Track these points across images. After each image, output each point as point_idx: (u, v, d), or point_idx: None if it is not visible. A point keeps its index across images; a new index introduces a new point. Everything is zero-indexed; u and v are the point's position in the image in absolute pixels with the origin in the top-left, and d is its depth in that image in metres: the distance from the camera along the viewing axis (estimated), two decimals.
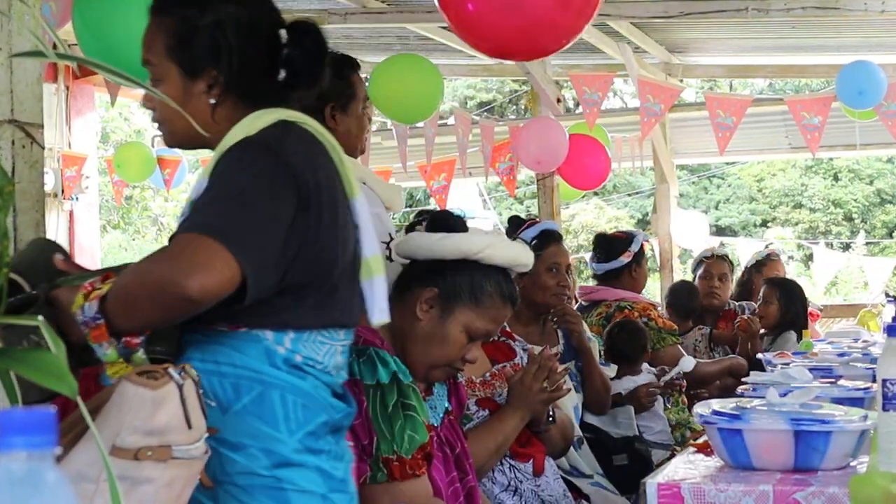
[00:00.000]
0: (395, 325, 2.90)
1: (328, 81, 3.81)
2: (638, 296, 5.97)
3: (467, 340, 2.92)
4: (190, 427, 1.98)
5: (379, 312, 2.39)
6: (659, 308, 6.09)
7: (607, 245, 6.06)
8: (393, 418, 2.66)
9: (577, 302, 5.74)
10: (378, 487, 2.65)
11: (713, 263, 7.17)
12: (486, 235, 2.97)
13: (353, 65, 3.93)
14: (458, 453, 3.03)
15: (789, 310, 6.70)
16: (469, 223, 3.46)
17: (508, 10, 3.46)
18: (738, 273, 8.19)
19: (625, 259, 5.93)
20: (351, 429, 2.65)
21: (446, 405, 3.08)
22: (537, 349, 4.20)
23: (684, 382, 5.65)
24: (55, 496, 0.98)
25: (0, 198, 1.54)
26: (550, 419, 3.67)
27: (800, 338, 6.35)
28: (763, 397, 3.18)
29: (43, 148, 3.00)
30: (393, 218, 3.91)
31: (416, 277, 2.93)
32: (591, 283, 6.40)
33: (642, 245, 6.04)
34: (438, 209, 3.18)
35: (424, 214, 3.35)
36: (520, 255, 3.00)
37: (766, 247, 10.50)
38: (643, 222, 25.36)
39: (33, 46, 2.77)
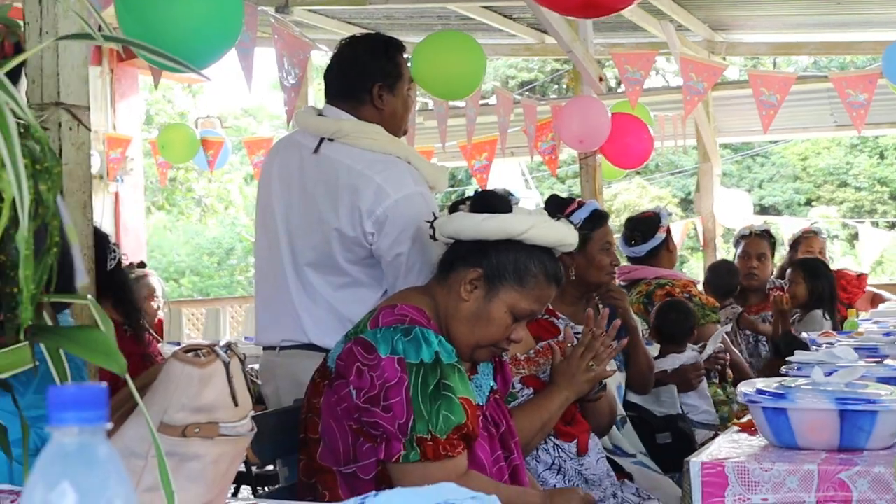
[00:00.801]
0: (439, 304, 2.91)
1: (376, 62, 3.87)
2: (677, 273, 5.96)
3: (512, 320, 2.92)
4: (236, 404, 2.00)
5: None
6: (697, 284, 6.06)
7: (643, 226, 6.04)
8: (432, 398, 2.67)
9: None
10: (409, 466, 2.66)
11: (752, 242, 7.11)
12: (531, 215, 2.95)
13: (398, 46, 3.97)
14: (504, 432, 3.04)
15: (815, 289, 6.62)
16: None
17: None
18: (781, 252, 8.14)
19: (661, 234, 5.91)
20: (389, 406, 2.66)
21: (492, 384, 3.08)
22: (579, 328, 4.21)
23: (727, 356, 5.62)
24: (107, 470, 1.00)
25: (49, 178, 1.55)
26: (602, 386, 3.67)
27: (828, 315, 6.29)
28: (808, 377, 3.17)
29: (89, 130, 3.02)
30: (436, 197, 3.92)
31: (459, 258, 2.93)
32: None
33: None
34: (480, 189, 3.18)
35: (462, 199, 3.36)
36: (565, 235, 2.98)
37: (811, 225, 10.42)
38: (686, 201, 25.27)
39: (79, 29, 2.79)
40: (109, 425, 1.02)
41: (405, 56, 3.99)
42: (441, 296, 2.92)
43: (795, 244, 7.83)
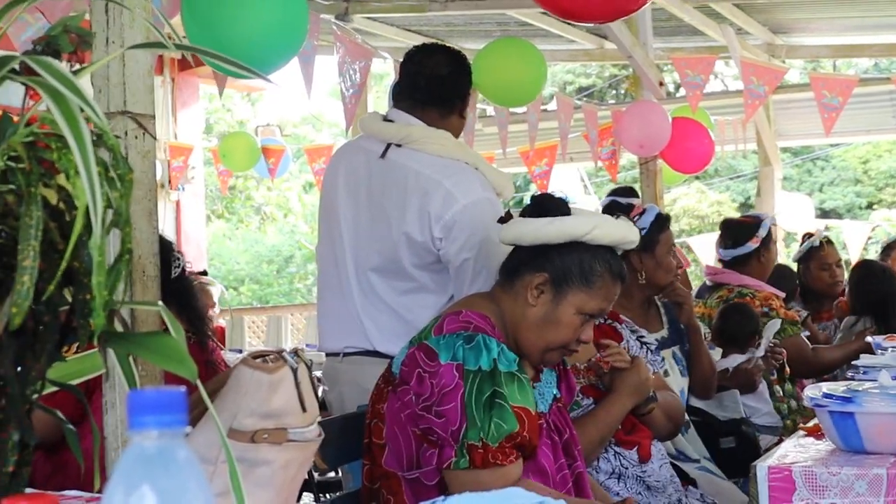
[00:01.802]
0: (505, 311, 2.91)
1: (466, 77, 3.92)
2: (762, 284, 5.84)
3: (581, 322, 2.91)
4: (304, 410, 2.01)
5: None
6: (781, 297, 5.95)
7: (735, 231, 5.97)
8: (486, 406, 2.66)
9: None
10: (460, 473, 2.66)
11: (829, 253, 6.94)
12: (592, 216, 2.95)
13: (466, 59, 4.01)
14: (567, 439, 3.03)
15: (862, 294, 6.40)
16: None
17: None
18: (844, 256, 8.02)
19: (752, 245, 5.83)
20: (443, 413, 2.66)
21: (555, 392, 3.07)
22: (643, 332, 4.20)
23: (783, 352, 5.54)
24: (185, 473, 1.00)
25: (122, 185, 1.57)
26: (652, 396, 3.66)
27: (872, 323, 6.08)
28: (874, 380, 3.14)
29: (154, 138, 3.04)
30: (502, 203, 3.93)
31: (523, 263, 2.92)
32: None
33: (770, 229, 5.94)
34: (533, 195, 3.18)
35: (511, 208, 3.38)
36: (627, 233, 2.97)
37: (873, 229, 10.28)
38: (745, 206, 25.10)
39: (144, 39, 2.81)
40: (188, 429, 1.03)
41: None
42: (507, 302, 2.91)
43: (887, 250, 7.71)
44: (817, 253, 6.87)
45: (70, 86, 1.48)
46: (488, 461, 2.65)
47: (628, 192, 4.90)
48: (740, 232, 5.92)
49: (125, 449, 1.02)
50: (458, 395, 2.66)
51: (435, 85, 3.91)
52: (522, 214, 2.99)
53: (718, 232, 6.19)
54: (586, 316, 2.92)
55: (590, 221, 2.90)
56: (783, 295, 6.07)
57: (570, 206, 3.04)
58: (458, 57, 4.00)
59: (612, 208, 4.63)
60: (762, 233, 5.85)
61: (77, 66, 1.72)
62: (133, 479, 0.99)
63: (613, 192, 4.96)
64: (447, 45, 4.14)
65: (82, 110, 1.49)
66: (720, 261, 6.06)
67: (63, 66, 1.54)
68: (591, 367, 3.71)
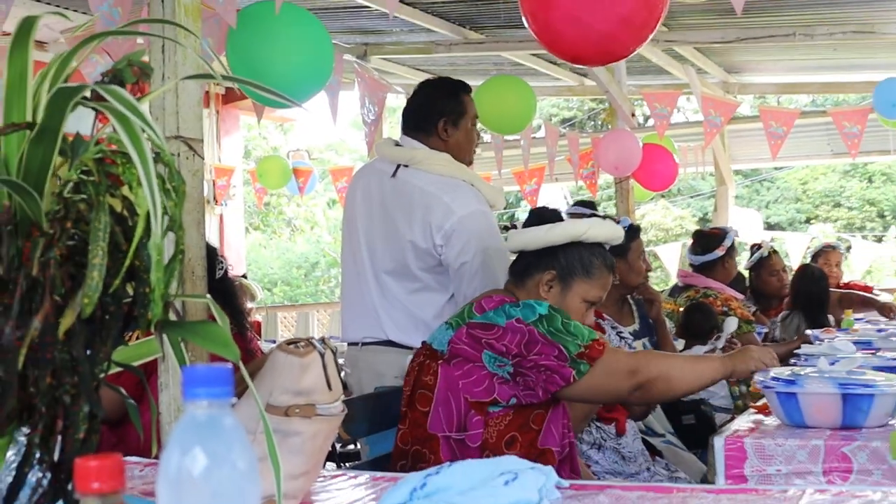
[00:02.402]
0: None
1: (443, 101, 3.91)
2: (724, 287, 5.89)
3: (586, 308, 2.97)
4: (330, 388, 2.01)
5: None
6: (741, 300, 5.98)
7: (704, 240, 6.03)
8: (563, 329, 2.71)
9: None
10: (587, 375, 2.71)
11: (776, 260, 6.98)
12: (585, 219, 3.02)
13: (465, 88, 4.00)
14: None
15: (800, 294, 6.38)
16: None
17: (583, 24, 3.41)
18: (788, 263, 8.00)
19: (718, 252, 5.89)
20: (539, 350, 2.69)
21: None
22: (621, 327, 4.20)
23: (739, 344, 5.55)
24: (231, 437, 1.00)
25: (176, 195, 1.57)
26: None
27: (806, 321, 6.04)
28: (814, 366, 3.15)
29: (203, 159, 3.05)
30: (495, 214, 3.94)
31: (531, 265, 2.97)
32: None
33: (734, 241, 5.99)
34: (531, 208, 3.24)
35: (512, 221, 3.41)
36: (615, 231, 3.04)
37: (811, 240, 10.26)
38: (703, 220, 25.11)
39: (196, 72, 2.82)
40: (234, 399, 1.02)
41: (469, 96, 4.00)
42: (522, 298, 2.94)
43: (816, 256, 7.71)
44: (766, 262, 6.90)
45: (134, 110, 1.49)
46: (599, 350, 2.72)
47: (589, 205, 4.92)
48: (709, 241, 5.97)
49: (180, 417, 1.02)
50: (538, 336, 2.71)
51: (411, 114, 3.97)
52: (525, 225, 3.03)
53: (685, 241, 6.22)
54: (588, 303, 2.98)
55: (585, 223, 2.97)
56: (742, 297, 6.09)
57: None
58: (432, 86, 4.02)
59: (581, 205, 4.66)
60: (727, 243, 5.90)
61: (138, 96, 1.72)
62: (187, 442, 0.99)
63: (577, 204, 4.99)
64: (448, 78, 4.12)
65: (143, 131, 1.49)
66: (690, 265, 6.08)
67: (127, 94, 1.54)
68: None
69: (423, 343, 2.94)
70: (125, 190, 1.55)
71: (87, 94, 1.58)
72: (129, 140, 1.44)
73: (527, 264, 2.97)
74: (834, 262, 7.46)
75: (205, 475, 0.98)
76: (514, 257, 3.09)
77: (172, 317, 1.70)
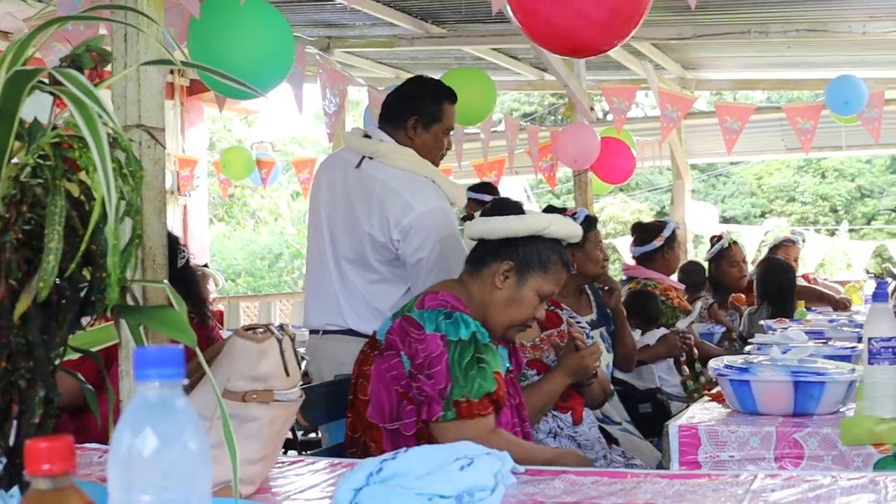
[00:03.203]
0: (474, 294, 2.92)
1: (421, 100, 3.88)
2: (664, 277, 5.91)
3: (539, 302, 2.96)
4: (288, 375, 1.99)
5: None
6: (680, 290, 6.01)
7: (643, 232, 6.04)
8: (467, 368, 2.68)
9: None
10: (447, 424, 2.67)
11: (736, 251, 7.02)
12: (547, 214, 3.01)
13: (450, 97, 3.95)
14: (518, 404, 3.05)
15: (764, 287, 6.42)
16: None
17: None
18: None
19: (657, 243, 5.89)
20: (432, 375, 2.67)
21: (507, 365, 3.08)
22: (579, 317, 4.20)
23: (692, 337, 5.59)
24: (183, 418, 0.99)
25: (133, 181, 1.55)
26: (594, 375, 3.66)
27: (769, 313, 6.07)
28: (767, 354, 3.16)
29: (164, 148, 3.01)
30: (455, 211, 3.93)
31: (489, 253, 2.94)
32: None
33: (674, 231, 5.99)
34: (493, 199, 3.24)
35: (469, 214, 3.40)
36: (575, 229, 3.04)
37: (765, 234, 10.32)
38: (661, 213, 25.21)
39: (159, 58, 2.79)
40: (185, 381, 1.01)
41: (452, 107, 3.95)
42: (475, 287, 2.93)
43: (775, 249, 7.74)
44: (727, 252, 6.96)
45: (90, 94, 1.46)
46: (472, 412, 2.67)
47: (490, 188, 4.91)
48: (647, 233, 5.99)
49: (132, 398, 1.00)
50: (444, 360, 2.69)
51: (387, 105, 3.96)
52: (483, 214, 3.02)
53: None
54: (542, 297, 2.96)
55: (548, 218, 2.96)
56: (682, 287, 6.12)
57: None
58: (414, 84, 4.00)
59: (549, 212, 4.63)
60: (666, 233, 5.92)
61: (97, 81, 1.70)
62: (138, 423, 0.97)
63: (472, 188, 4.97)
64: (440, 81, 4.07)
65: (100, 116, 1.47)
66: (633, 258, 6.10)
67: (84, 78, 1.51)
68: (536, 346, 3.70)
69: (374, 332, 2.93)
70: (82, 175, 1.53)
71: (46, 79, 1.56)
72: (84, 124, 1.42)
73: (485, 253, 2.96)
74: (793, 256, 7.49)
75: (156, 456, 0.96)
76: (472, 244, 3.07)
77: (130, 302, 1.68)
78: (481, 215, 3.04)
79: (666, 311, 5.61)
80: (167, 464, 0.96)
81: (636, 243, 6.00)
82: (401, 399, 2.76)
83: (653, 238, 5.91)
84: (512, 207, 3.01)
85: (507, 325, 2.95)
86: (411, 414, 2.75)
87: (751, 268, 7.27)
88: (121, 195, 1.52)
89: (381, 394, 2.78)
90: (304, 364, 4.25)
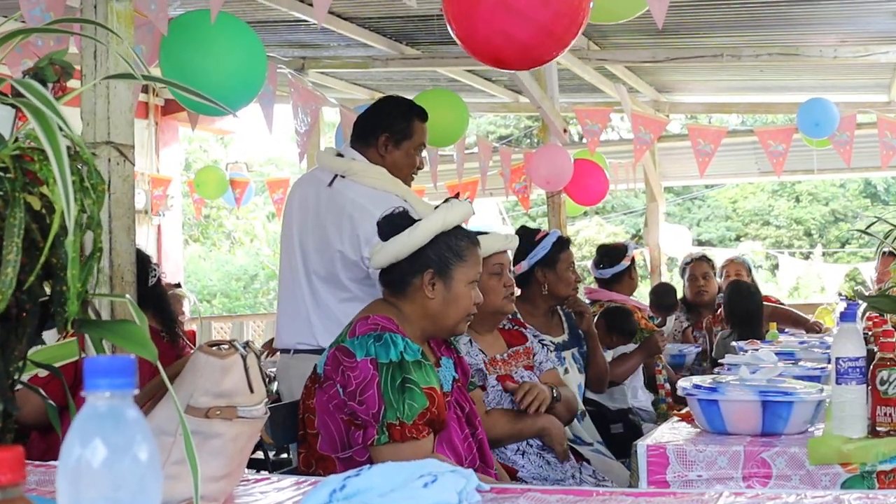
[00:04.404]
0: (407, 313, 2.89)
1: (392, 118, 3.90)
2: (628, 298, 5.95)
3: (471, 290, 2.94)
4: (252, 391, 1.98)
5: None
6: (644, 310, 6.04)
7: (612, 253, 6.06)
8: (399, 390, 2.66)
9: None
10: (382, 448, 2.65)
11: (695, 265, 7.10)
12: (436, 210, 2.96)
13: (421, 115, 3.98)
14: (468, 412, 3.03)
15: (731, 310, 6.39)
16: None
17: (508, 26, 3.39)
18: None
19: (626, 263, 5.94)
20: (364, 400, 2.65)
21: (454, 375, 3.07)
22: (546, 337, 4.19)
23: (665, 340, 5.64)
24: (133, 429, 0.97)
25: (95, 193, 1.54)
26: (556, 398, 3.65)
27: (738, 336, 6.04)
28: (736, 374, 3.17)
29: (133, 164, 3.01)
30: None
31: (406, 273, 2.91)
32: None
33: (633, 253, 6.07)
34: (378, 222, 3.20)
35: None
36: (466, 207, 3.01)
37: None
38: (636, 236, 25.29)
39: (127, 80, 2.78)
40: (136, 391, 0.99)
41: (423, 125, 3.97)
42: (407, 307, 2.90)
43: (723, 270, 7.75)
44: (689, 268, 7.03)
45: (50, 106, 1.45)
46: (405, 436, 2.64)
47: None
48: (615, 253, 6.02)
49: (81, 408, 0.99)
50: (375, 384, 2.66)
51: (358, 124, 3.99)
52: (380, 234, 2.96)
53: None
54: (473, 283, 2.95)
55: (439, 214, 2.93)
56: (645, 307, 6.15)
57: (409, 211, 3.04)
58: (386, 102, 4.04)
59: (522, 233, 4.63)
60: (630, 253, 5.96)
61: (60, 94, 1.69)
62: (87, 434, 0.96)
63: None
64: (411, 101, 4.09)
65: (61, 129, 1.46)
66: (596, 279, 6.12)
67: (46, 90, 1.50)
68: (505, 360, 3.71)
69: (315, 366, 2.91)
70: (44, 188, 1.52)
71: (7, 91, 1.54)
72: (44, 135, 1.41)
73: (402, 273, 2.92)
74: (733, 273, 7.42)
75: (105, 467, 0.95)
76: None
77: (92, 316, 1.67)
78: (379, 236, 2.99)
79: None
80: (117, 475, 0.95)
81: (606, 265, 6.01)
82: (348, 426, 2.74)
83: (621, 258, 5.95)
84: (402, 221, 2.96)
85: (455, 323, 2.94)
86: (360, 439, 2.74)
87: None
88: (81, 208, 1.50)
89: (329, 425, 2.77)
90: (275, 384, 4.24)
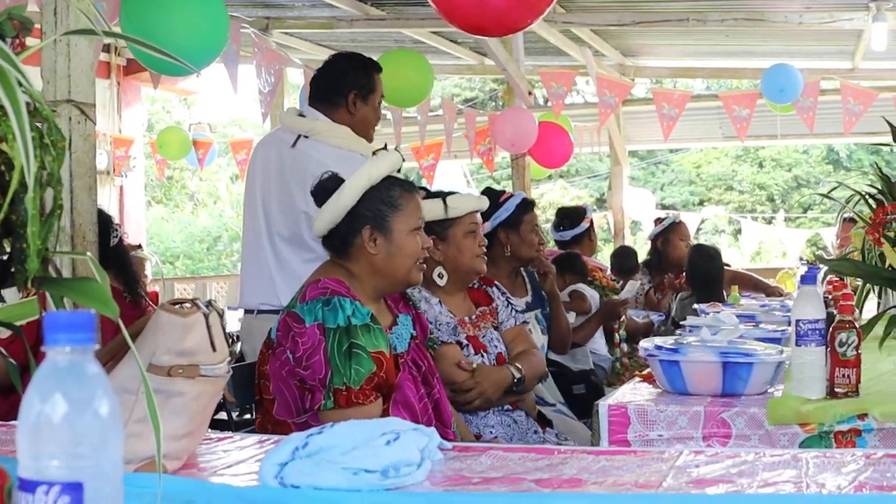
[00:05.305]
0: (356, 273, 2.87)
1: (356, 75, 3.92)
2: (589, 259, 5.98)
3: (416, 236, 2.92)
4: (214, 350, 1.97)
5: None
6: (605, 270, 6.08)
7: (571, 215, 6.10)
8: (345, 355, 2.64)
9: None
10: (328, 413, 2.63)
11: (685, 227, 7.06)
12: (361, 166, 2.93)
13: (377, 67, 4.02)
14: (425, 371, 3.01)
15: (692, 273, 6.42)
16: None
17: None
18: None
19: (585, 224, 5.99)
20: (311, 365, 2.64)
21: (412, 332, 3.06)
22: (514, 299, 4.20)
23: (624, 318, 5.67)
24: (93, 384, 0.97)
25: (54, 150, 1.52)
26: (517, 382, 3.66)
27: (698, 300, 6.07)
28: (697, 336, 3.19)
29: (94, 123, 2.98)
30: None
31: (346, 234, 2.88)
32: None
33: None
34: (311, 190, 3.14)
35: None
36: (393, 157, 2.96)
37: (702, 221, 10.39)
38: (601, 200, 25.37)
39: (88, 36, 2.75)
40: (97, 346, 0.99)
41: (380, 76, 4.02)
42: (353, 266, 2.88)
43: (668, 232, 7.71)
44: (677, 227, 6.97)
45: (9, 60, 1.44)
46: (351, 401, 2.63)
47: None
48: (574, 216, 6.07)
49: (42, 363, 0.98)
50: (322, 349, 2.64)
51: (317, 85, 3.98)
52: (315, 199, 2.95)
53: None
54: (415, 229, 2.92)
55: (363, 170, 2.89)
56: (606, 267, 6.20)
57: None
58: (346, 59, 4.03)
59: (488, 194, 4.63)
60: (589, 215, 6.01)
61: (18, 50, 1.67)
62: (47, 389, 0.96)
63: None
64: (360, 54, 4.10)
65: (20, 84, 1.44)
66: (556, 241, 6.14)
67: (4, 44, 1.48)
68: (473, 322, 3.72)
69: (269, 331, 2.89)
70: (3, 145, 1.50)
71: None
72: (3, 91, 1.39)
73: (342, 236, 2.89)
74: (681, 236, 7.37)
75: (65, 422, 0.94)
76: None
77: (53, 274, 1.66)
78: (316, 204, 2.96)
79: (595, 291, 5.67)
80: (77, 430, 0.95)
81: (566, 227, 6.06)
82: (302, 392, 2.72)
83: (580, 220, 6.00)
84: (332, 185, 2.93)
85: (405, 273, 2.91)
86: (317, 401, 2.72)
87: None
88: (41, 164, 1.49)
89: (283, 391, 2.75)
90: (238, 344, 4.24)
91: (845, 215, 5.26)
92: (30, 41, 1.79)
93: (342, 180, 2.90)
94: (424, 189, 3.80)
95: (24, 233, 1.47)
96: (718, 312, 4.31)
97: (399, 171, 3.00)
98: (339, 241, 2.91)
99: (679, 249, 6.93)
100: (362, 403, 2.64)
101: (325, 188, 2.91)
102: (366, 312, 2.73)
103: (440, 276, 3.64)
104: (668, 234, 6.99)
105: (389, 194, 2.90)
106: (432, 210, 3.55)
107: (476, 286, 3.89)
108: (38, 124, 1.53)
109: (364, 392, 2.64)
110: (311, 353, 2.65)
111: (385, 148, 3.03)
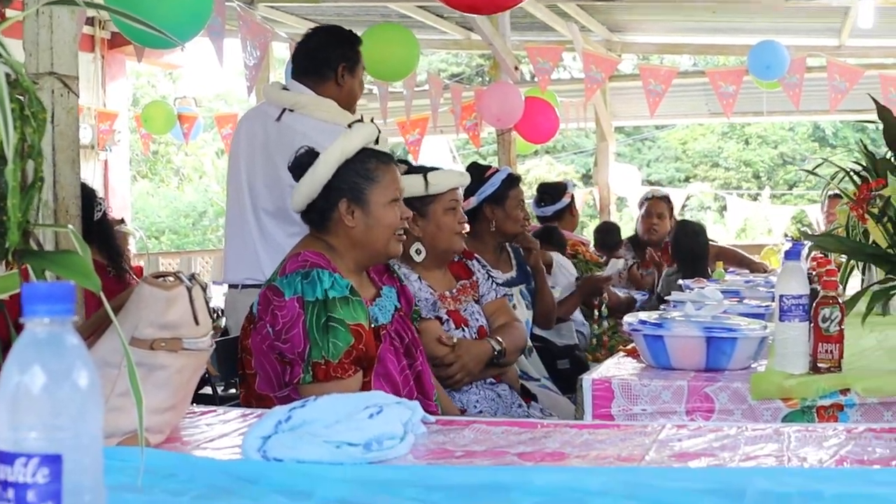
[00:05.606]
0: (335, 246, 2.86)
1: (343, 47, 3.92)
2: (571, 234, 6.01)
3: (394, 207, 2.90)
4: (197, 323, 1.97)
5: None
6: (588, 245, 6.11)
7: (552, 190, 6.11)
8: (323, 329, 2.63)
9: None
10: (306, 387, 2.62)
11: (654, 203, 7.04)
12: (336, 140, 2.91)
13: (358, 39, 4.05)
14: (408, 343, 3.01)
15: (677, 249, 6.42)
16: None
17: None
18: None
19: (566, 200, 6.01)
20: (290, 339, 2.63)
21: (396, 304, 3.05)
22: (496, 273, 4.20)
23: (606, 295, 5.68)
24: (73, 355, 0.97)
25: (35, 121, 1.51)
26: (498, 355, 3.66)
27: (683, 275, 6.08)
28: (682, 311, 3.19)
29: (77, 96, 2.96)
30: None
31: (323, 209, 2.87)
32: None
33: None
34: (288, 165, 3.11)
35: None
36: (368, 131, 2.95)
37: (687, 197, 10.42)
38: (587, 176, 25.36)
39: (70, 8, 2.73)
40: (76, 318, 0.99)
41: (361, 47, 4.04)
42: (334, 239, 2.87)
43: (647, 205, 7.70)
44: (647, 204, 6.97)
45: None
46: (330, 375, 2.61)
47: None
48: (555, 191, 6.09)
49: (20, 334, 0.98)
50: (301, 323, 2.63)
51: (303, 58, 3.97)
52: (293, 173, 2.94)
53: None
54: (394, 201, 2.91)
55: (337, 143, 2.88)
56: (589, 241, 6.23)
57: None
58: (330, 33, 4.04)
59: (473, 169, 4.63)
60: (570, 190, 6.02)
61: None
62: (26, 360, 0.95)
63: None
64: (336, 25, 4.10)
65: (0, 55, 1.43)
66: (538, 217, 6.15)
67: None
68: (454, 296, 3.71)
69: (251, 305, 2.88)
70: None
71: None
72: None
73: (320, 210, 2.88)
74: (657, 211, 7.32)
75: (44, 393, 0.94)
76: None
77: (34, 247, 1.65)
78: (294, 179, 2.95)
79: (578, 265, 5.69)
80: (56, 401, 0.94)
81: (547, 202, 6.08)
82: (283, 366, 2.71)
83: (562, 195, 6.01)
84: (307, 160, 2.91)
85: (385, 244, 2.89)
86: (297, 376, 2.72)
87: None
88: (22, 136, 1.48)
89: (265, 365, 2.75)
90: (223, 319, 4.24)
91: (830, 192, 5.27)
92: (11, 13, 1.77)
93: (318, 154, 2.89)
94: (406, 163, 3.79)
95: (5, 205, 1.47)
96: (703, 288, 4.32)
97: (377, 142, 2.98)
98: (317, 215, 2.90)
99: (643, 226, 6.93)
100: (341, 377, 2.63)
101: (302, 163, 2.90)
102: (345, 285, 2.71)
103: (418, 251, 3.63)
104: (640, 210, 7.04)
105: (365, 167, 2.88)
106: (413, 186, 3.53)
107: (456, 259, 3.89)
108: (19, 96, 1.52)
109: (343, 366, 2.63)
110: (290, 327, 2.64)
111: (361, 120, 3.02)
